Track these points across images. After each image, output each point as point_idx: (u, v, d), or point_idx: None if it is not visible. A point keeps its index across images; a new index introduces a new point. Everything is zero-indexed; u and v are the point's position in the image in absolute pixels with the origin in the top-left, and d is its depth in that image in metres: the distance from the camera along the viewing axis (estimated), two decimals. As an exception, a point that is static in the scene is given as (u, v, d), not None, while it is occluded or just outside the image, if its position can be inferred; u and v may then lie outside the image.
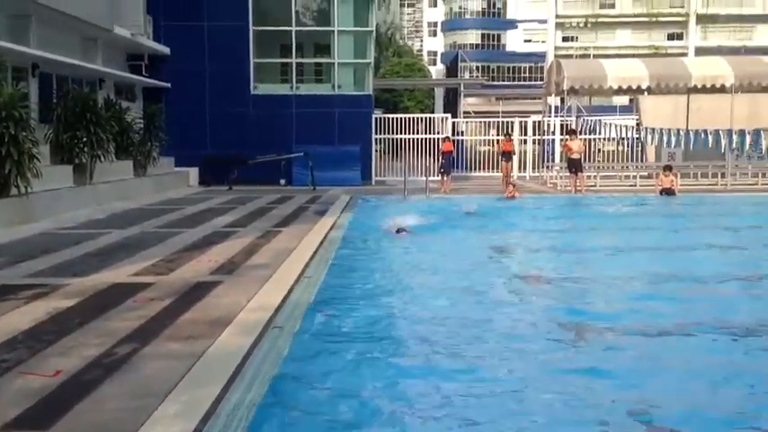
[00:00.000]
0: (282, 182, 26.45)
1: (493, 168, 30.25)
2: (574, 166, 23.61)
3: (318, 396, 5.58)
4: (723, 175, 25.46)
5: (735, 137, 23.74)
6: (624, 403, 5.36)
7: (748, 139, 23.52)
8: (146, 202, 19.27)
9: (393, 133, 29.08)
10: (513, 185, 22.17)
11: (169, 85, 26.84)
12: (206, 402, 4.92)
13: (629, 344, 7.03)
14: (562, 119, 29.09)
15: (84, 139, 17.65)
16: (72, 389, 5.19)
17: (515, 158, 28.38)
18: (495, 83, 45.29)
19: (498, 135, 31.95)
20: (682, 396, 5.58)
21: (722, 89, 25.67)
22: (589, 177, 25.38)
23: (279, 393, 5.42)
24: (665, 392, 5.62)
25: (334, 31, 28.36)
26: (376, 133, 28.50)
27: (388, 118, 29.69)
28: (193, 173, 26.49)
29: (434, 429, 4.98)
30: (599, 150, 29.95)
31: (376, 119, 28.81)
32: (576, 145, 23.93)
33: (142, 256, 10.92)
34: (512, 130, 29.28)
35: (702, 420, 5.07)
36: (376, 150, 28.83)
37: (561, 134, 28.65)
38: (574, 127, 26.34)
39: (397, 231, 13.59)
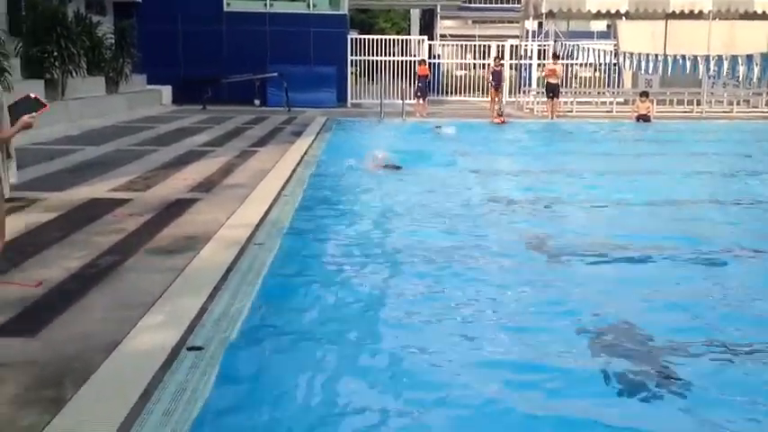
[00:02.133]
0: (257, 102, 26.12)
1: (469, 92, 30.06)
2: (552, 91, 23.49)
3: (299, 309, 5.64)
4: (699, 103, 25.55)
5: (712, 63, 23.74)
6: (591, 323, 5.48)
7: (725, 65, 23.54)
8: (119, 120, 18.97)
9: (369, 55, 28.64)
10: (501, 114, 21.91)
11: (140, -1, 26.17)
12: (190, 313, 4.96)
13: (603, 267, 7.15)
14: (540, 43, 28.83)
15: (55, 54, 17.22)
16: (55, 299, 5.21)
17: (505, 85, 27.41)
18: (473, 5, 44.40)
19: (475, 59, 31.69)
20: (649, 314, 5.71)
21: (700, 15, 25.61)
22: (566, 103, 25.33)
23: (261, 306, 5.48)
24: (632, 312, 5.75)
25: (309, -53, 27.69)
26: (351, 55, 28.07)
27: (364, 39, 29.20)
28: (166, 91, 26.02)
29: (406, 339, 5.07)
30: (576, 76, 29.81)
31: (351, 40, 28.34)
32: (559, 69, 23.84)
33: (119, 173, 10.83)
34: (488, 55, 28.99)
35: (667, 339, 5.19)
36: (351, 72, 28.44)
37: (539, 59, 28.44)
38: (555, 51, 26.10)
39: (385, 167, 12.50)
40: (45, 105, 5.01)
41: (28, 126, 4.81)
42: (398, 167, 12.35)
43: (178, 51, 26.57)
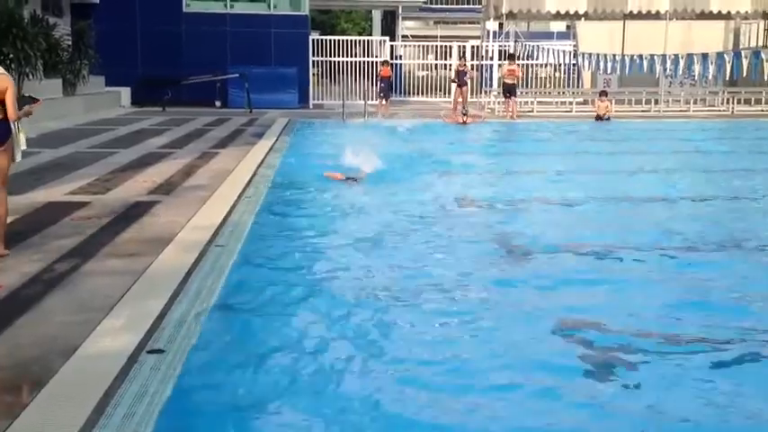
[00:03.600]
0: (218, 103, 25.96)
1: (430, 93, 30.18)
2: (508, 91, 23.68)
3: (261, 311, 5.63)
4: (657, 102, 25.95)
5: (669, 63, 24.14)
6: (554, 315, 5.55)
7: (682, 64, 23.95)
8: (77, 122, 18.72)
9: (330, 56, 28.61)
10: (465, 114, 21.91)
11: (97, 0, 25.82)
12: (150, 316, 4.93)
13: (561, 262, 7.24)
14: (500, 44, 29.05)
15: (11, 56, 16.97)
16: (13, 303, 5.14)
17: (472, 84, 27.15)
18: (434, 6, 44.65)
19: (437, 60, 31.81)
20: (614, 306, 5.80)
21: (657, 15, 26.06)
22: (526, 103, 25.56)
23: (222, 308, 5.46)
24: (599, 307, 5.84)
25: (269, -52, 27.59)
26: (313, 56, 28.02)
27: (325, 40, 29.16)
28: (125, 93, 25.76)
29: (373, 337, 5.10)
30: (536, 76, 30.09)
31: (313, 41, 28.29)
32: (517, 70, 24.07)
33: (77, 176, 10.71)
34: (450, 56, 29.17)
35: (628, 330, 5.28)
36: (313, 74, 28.40)
37: (500, 60, 28.64)
38: (512, 52, 26.32)
39: (347, 179, 11.35)
40: (39, 100, 7.13)
41: (29, 113, 6.87)
42: (354, 179, 11.20)
43: (137, 52, 26.34)
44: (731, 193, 11.24)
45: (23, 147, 6.71)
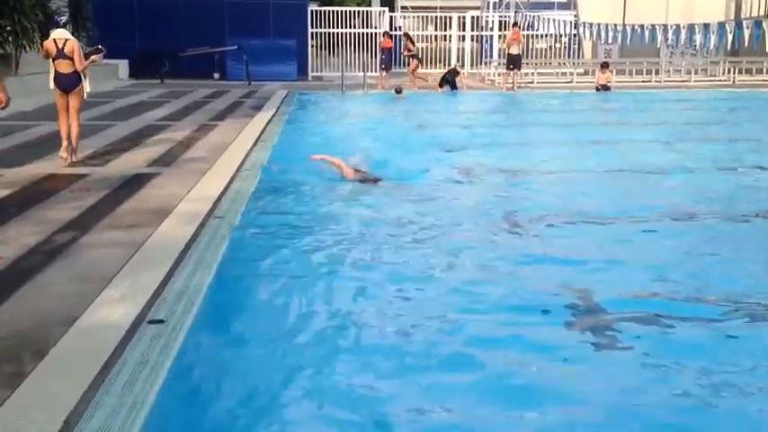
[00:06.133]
0: (216, 76, 25.82)
1: (430, 65, 29.93)
2: (513, 63, 23.36)
3: (260, 281, 5.63)
4: (657, 72, 25.81)
5: (670, 32, 23.97)
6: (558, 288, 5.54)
7: (683, 34, 23.79)
8: None
9: (329, 27, 28.38)
10: (399, 91, 20.80)
11: (95, -29, 25.58)
12: (151, 287, 4.93)
13: (564, 232, 7.23)
14: (501, 15, 28.84)
15: (8, 28, 16.85)
16: (13, 275, 5.14)
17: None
18: (434, -24, 44.35)
19: (437, 31, 31.56)
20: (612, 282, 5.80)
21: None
22: (526, 74, 25.39)
23: (222, 280, 5.46)
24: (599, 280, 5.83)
25: None
26: (312, 27, 27.81)
27: (325, 11, 28.88)
28: (123, 66, 25.58)
29: (373, 308, 5.09)
30: (534, 47, 29.90)
31: (311, 12, 28.06)
32: (521, 37, 23.78)
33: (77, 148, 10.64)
34: (450, 26, 28.97)
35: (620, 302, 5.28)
36: (312, 45, 28.19)
37: (500, 30, 28.44)
38: (515, 21, 26.10)
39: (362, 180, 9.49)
40: (101, 51, 10.61)
41: (95, 61, 9.91)
42: (377, 179, 9.26)
43: (134, 25, 26.14)
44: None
45: (88, 89, 9.70)
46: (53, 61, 9.30)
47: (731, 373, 4.17)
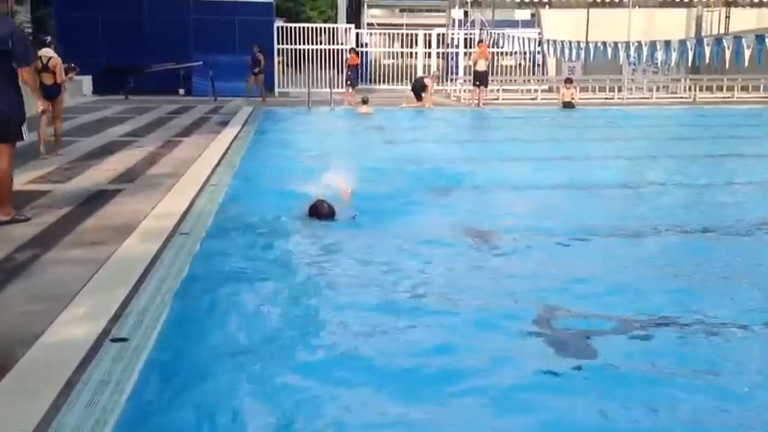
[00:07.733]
0: (181, 92, 25.69)
1: (396, 81, 30.05)
2: (479, 80, 23.52)
3: (226, 298, 5.58)
4: (620, 89, 26.19)
5: (632, 50, 24.35)
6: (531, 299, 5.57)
7: (645, 51, 24.18)
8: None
9: (295, 44, 28.40)
10: (365, 102, 20.97)
11: (57, -13, 25.40)
12: (113, 305, 4.87)
13: (531, 248, 7.27)
14: (466, 32, 29.09)
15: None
16: (-28, 294, 5.05)
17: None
18: (399, -7, 44.70)
19: (402, 48, 31.73)
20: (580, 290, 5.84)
21: (620, 3, 26.32)
22: (492, 91, 25.61)
23: (187, 297, 5.40)
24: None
25: (233, -66, 27.29)
26: (278, 43, 27.82)
27: (290, 27, 28.93)
28: (87, 81, 25.34)
29: (340, 321, 5.07)
30: (499, 64, 30.19)
31: (278, 28, 28.08)
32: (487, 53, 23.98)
33: (38, 164, 10.55)
34: (416, 43, 29.15)
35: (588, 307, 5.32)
36: (278, 61, 28.19)
37: (465, 47, 28.67)
38: (480, 38, 26.36)
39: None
40: (75, 69, 13.51)
41: (71, 78, 13.43)
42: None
43: (98, 40, 25.92)
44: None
45: (67, 99, 12.21)
46: (39, 74, 10.98)
47: (698, 386, 4.22)
